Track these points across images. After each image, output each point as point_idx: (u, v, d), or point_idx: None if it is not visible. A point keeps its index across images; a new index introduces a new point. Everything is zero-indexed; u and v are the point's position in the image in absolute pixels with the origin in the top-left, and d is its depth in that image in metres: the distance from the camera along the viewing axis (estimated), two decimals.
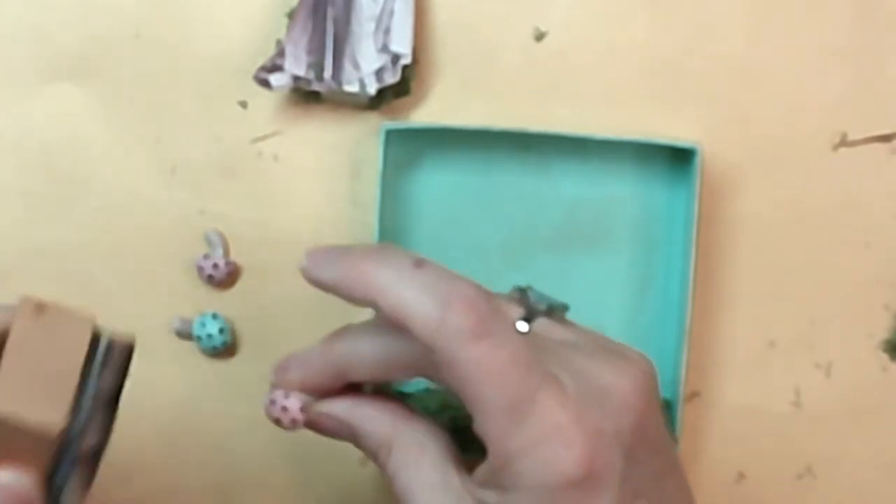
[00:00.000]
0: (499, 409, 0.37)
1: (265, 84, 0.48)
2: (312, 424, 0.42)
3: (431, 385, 0.50)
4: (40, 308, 0.36)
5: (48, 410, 0.35)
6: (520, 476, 0.37)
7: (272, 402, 0.42)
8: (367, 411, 0.41)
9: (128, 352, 0.37)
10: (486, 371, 0.37)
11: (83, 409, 0.36)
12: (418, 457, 0.40)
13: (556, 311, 0.42)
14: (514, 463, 0.37)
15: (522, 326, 0.40)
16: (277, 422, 0.42)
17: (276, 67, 0.48)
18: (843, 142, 0.51)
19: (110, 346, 0.36)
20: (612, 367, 0.39)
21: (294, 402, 0.42)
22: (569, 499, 0.37)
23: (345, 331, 0.42)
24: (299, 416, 0.42)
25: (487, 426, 0.37)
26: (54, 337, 0.36)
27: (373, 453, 0.41)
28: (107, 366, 0.36)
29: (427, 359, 0.38)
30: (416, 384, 0.50)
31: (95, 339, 0.36)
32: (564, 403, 0.37)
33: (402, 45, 0.49)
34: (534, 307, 0.41)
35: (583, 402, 0.37)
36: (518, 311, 0.41)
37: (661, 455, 0.39)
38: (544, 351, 0.39)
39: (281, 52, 0.48)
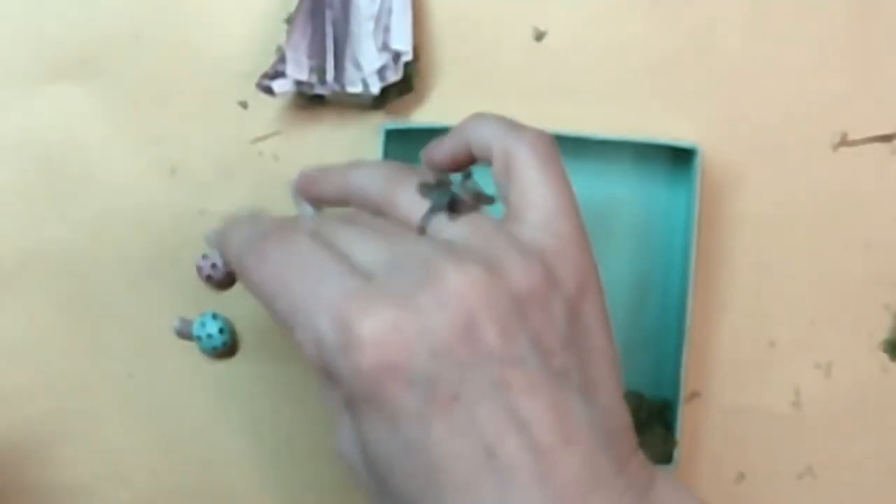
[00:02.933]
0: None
1: (268, 91, 0.48)
2: None
3: None
4: None
5: None
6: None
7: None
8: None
9: None
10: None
11: None
12: None
13: (459, 206, 0.39)
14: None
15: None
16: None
17: (278, 74, 0.48)
18: (843, 142, 0.51)
19: None
20: (454, 265, 0.36)
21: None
22: (362, 383, 0.35)
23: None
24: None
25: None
26: None
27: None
28: None
29: None
30: None
31: None
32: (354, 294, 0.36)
33: (402, 42, 0.49)
34: (436, 203, 0.39)
35: (382, 296, 0.36)
36: (422, 207, 0.39)
37: (501, 365, 0.36)
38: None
39: (282, 58, 0.48)
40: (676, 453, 0.49)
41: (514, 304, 0.36)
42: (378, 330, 0.35)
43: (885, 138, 0.51)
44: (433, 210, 0.38)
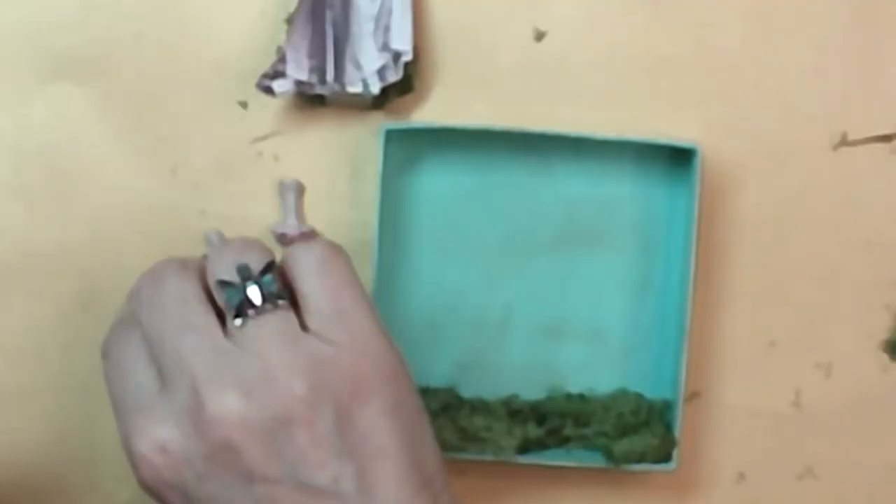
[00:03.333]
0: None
1: (268, 91, 0.48)
2: None
3: (430, 385, 0.50)
4: None
5: None
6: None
7: None
8: None
9: None
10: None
11: None
12: None
13: (245, 309, 0.39)
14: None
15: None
16: None
17: (278, 74, 0.48)
18: (843, 142, 0.51)
19: None
20: (215, 390, 0.38)
21: None
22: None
23: None
24: None
25: None
26: None
27: None
28: None
29: None
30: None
31: None
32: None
33: (402, 42, 0.49)
34: (227, 303, 0.40)
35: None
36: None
37: (264, 484, 0.38)
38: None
39: (282, 58, 0.48)
40: (676, 453, 0.49)
41: (274, 423, 0.38)
42: (149, 451, 0.38)
43: (885, 138, 0.51)
44: (226, 309, 0.39)
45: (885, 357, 0.52)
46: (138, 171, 0.50)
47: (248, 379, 0.38)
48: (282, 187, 0.45)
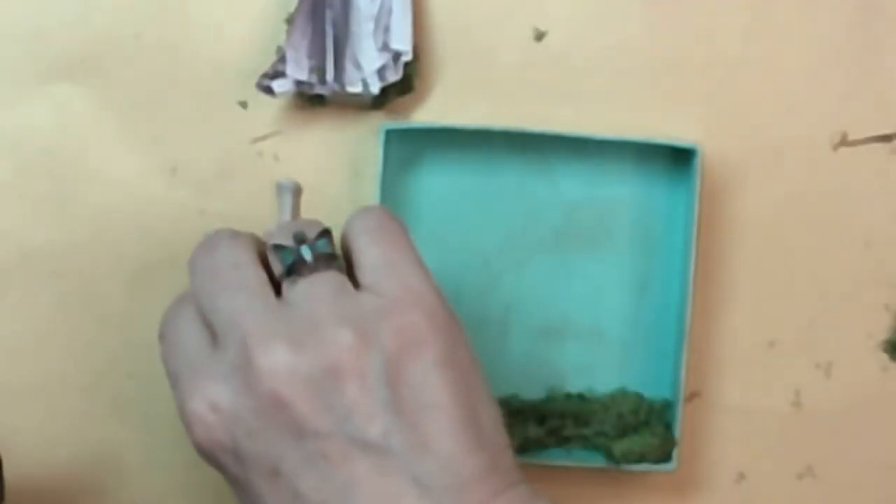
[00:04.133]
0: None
1: (268, 91, 0.48)
2: None
3: None
4: None
5: None
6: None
7: None
8: None
9: None
10: None
11: None
12: None
13: (299, 269, 0.40)
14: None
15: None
16: None
17: (277, 73, 0.48)
18: (843, 142, 0.51)
19: None
20: (264, 346, 0.38)
21: None
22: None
23: None
24: None
25: None
26: None
27: None
28: None
29: None
30: None
31: None
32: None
33: (402, 42, 0.49)
34: (282, 265, 0.40)
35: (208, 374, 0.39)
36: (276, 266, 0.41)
37: (315, 439, 0.37)
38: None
39: (282, 58, 0.48)
40: (676, 453, 0.49)
41: (323, 375, 0.37)
42: (201, 410, 0.38)
43: (885, 138, 0.51)
44: (284, 272, 0.40)
45: (885, 357, 0.52)
46: (138, 171, 0.50)
47: (296, 332, 0.38)
48: (279, 188, 0.45)
